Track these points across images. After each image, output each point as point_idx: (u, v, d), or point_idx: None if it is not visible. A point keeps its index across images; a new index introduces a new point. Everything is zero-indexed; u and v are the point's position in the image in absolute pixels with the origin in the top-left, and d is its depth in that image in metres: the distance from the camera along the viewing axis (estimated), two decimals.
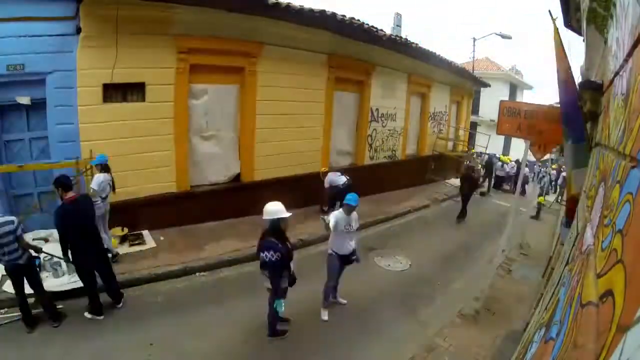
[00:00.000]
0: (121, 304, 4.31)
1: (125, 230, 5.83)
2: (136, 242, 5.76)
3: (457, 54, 63.74)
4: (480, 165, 13.76)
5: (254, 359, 3.75)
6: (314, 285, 4.86)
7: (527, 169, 10.70)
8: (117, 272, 4.60)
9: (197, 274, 5.26)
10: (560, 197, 14.10)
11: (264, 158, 7.46)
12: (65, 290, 4.35)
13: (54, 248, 4.34)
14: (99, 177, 5.00)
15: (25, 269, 3.68)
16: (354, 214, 4.37)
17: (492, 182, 14.27)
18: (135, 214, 5.94)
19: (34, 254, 3.81)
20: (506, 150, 22.39)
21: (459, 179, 11.90)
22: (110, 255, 4.79)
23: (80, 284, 4.16)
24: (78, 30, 5.14)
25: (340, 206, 4.52)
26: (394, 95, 10.73)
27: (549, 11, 3.38)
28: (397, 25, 14.40)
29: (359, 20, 7.75)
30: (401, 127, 11.45)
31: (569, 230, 2.84)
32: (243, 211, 7.09)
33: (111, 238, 5.36)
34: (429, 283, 5.74)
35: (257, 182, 7.42)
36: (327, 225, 4.35)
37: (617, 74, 1.60)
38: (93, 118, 5.43)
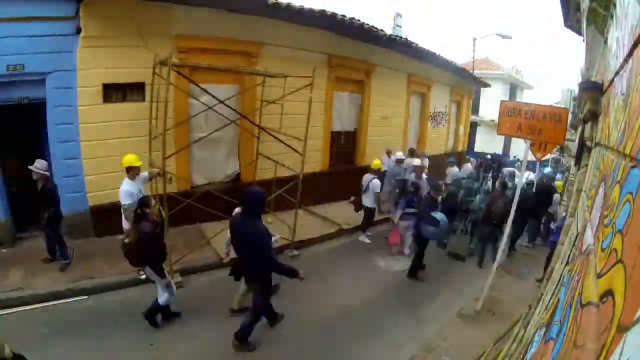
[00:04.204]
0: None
1: None
2: None
3: (457, 54, 63.75)
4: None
5: (255, 359, 3.75)
6: (314, 285, 4.88)
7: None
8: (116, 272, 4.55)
9: (196, 274, 5.26)
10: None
11: (264, 158, 7.44)
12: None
13: None
14: None
15: None
16: None
17: None
18: None
19: None
20: (506, 150, 22.39)
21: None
22: None
23: None
24: (78, 30, 5.13)
25: None
26: (394, 95, 10.72)
27: None
28: (398, 25, 14.37)
29: (359, 20, 7.74)
30: (401, 127, 11.43)
31: None
32: None
33: None
34: (428, 282, 5.74)
35: (258, 181, 7.40)
36: None
37: (617, 73, 1.60)
38: (93, 118, 5.42)
